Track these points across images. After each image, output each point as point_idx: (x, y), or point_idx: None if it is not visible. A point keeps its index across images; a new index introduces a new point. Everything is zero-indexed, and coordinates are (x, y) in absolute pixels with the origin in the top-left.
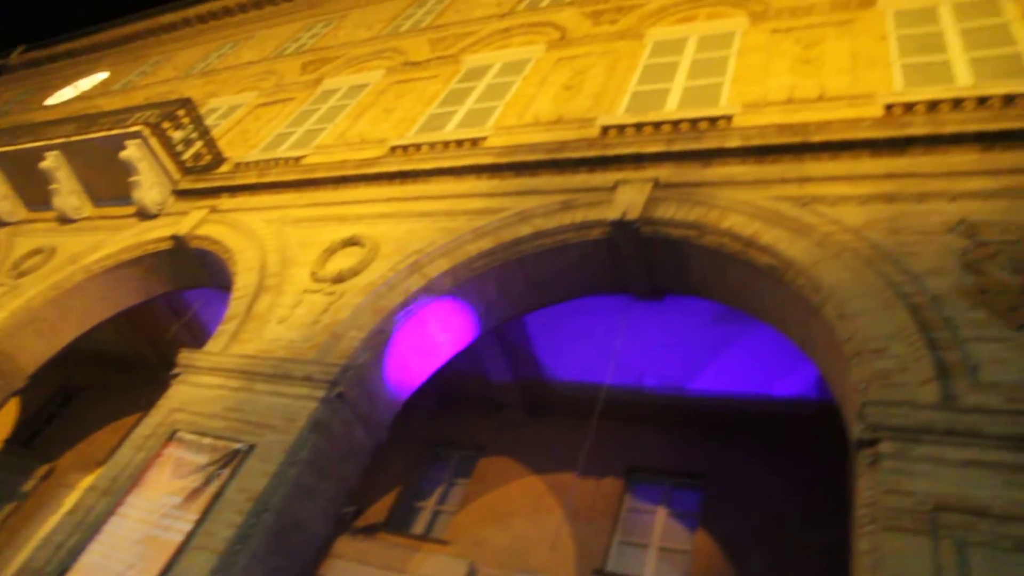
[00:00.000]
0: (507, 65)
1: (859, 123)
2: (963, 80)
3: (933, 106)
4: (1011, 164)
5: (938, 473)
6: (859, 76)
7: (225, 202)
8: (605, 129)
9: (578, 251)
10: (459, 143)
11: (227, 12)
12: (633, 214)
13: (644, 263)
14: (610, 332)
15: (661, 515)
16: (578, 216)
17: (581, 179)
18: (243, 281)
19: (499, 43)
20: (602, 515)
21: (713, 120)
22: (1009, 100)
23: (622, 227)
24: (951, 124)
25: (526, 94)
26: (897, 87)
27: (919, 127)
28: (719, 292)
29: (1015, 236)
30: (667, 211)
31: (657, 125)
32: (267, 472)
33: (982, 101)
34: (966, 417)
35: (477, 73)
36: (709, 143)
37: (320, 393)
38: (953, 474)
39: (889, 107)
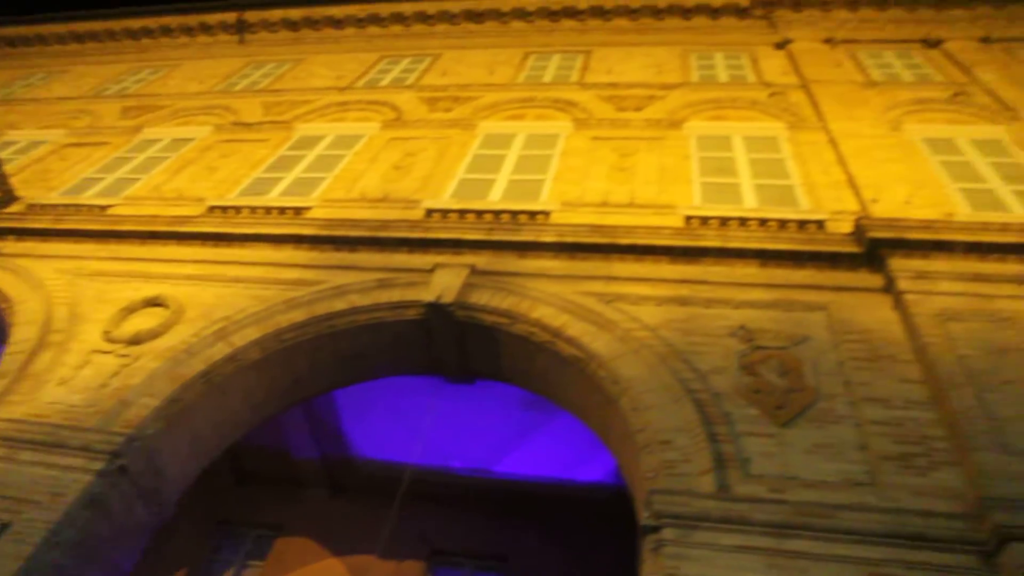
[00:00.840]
0: (340, 138)
1: (661, 231)
2: (749, 202)
3: (724, 222)
4: (782, 280)
5: (713, 558)
6: (665, 188)
7: (10, 246)
8: (429, 212)
9: (393, 330)
10: (282, 210)
11: (41, 40)
12: (448, 298)
13: (457, 346)
14: (420, 413)
15: None
16: (395, 295)
17: (401, 259)
18: (20, 335)
19: (334, 115)
20: None
21: (532, 214)
22: (783, 224)
23: (437, 309)
24: (736, 240)
25: (356, 169)
26: (696, 201)
27: (711, 240)
28: (528, 379)
29: (783, 343)
30: (481, 297)
31: (480, 213)
32: (20, 555)
33: (763, 222)
34: (737, 506)
35: (309, 142)
36: (526, 236)
37: (98, 465)
38: (725, 559)
39: (688, 219)
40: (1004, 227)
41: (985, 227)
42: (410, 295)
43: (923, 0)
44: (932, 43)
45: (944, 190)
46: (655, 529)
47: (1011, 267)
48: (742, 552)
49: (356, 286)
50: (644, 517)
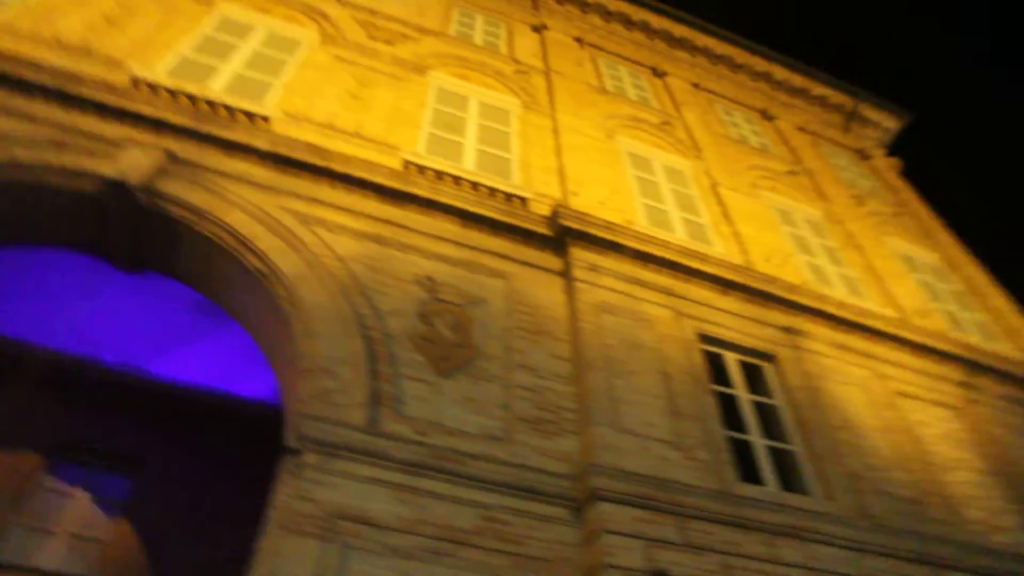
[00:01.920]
0: None
1: (378, 168)
2: (468, 164)
3: (440, 176)
4: (476, 243)
5: (346, 486)
6: (393, 128)
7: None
8: (137, 81)
9: (59, 199)
10: None
11: None
12: (135, 178)
13: (133, 232)
14: (73, 294)
15: (82, 500)
16: (70, 160)
17: (89, 123)
18: None
19: None
20: (7, 495)
21: (252, 116)
22: (492, 192)
23: (118, 188)
24: (446, 195)
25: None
26: (420, 149)
27: (422, 189)
28: (204, 282)
29: (462, 300)
30: (173, 187)
31: (195, 99)
32: None
33: (475, 186)
34: (381, 442)
35: None
36: (239, 136)
37: None
38: (358, 488)
39: (407, 164)
40: (665, 244)
41: (652, 240)
42: (88, 164)
43: (661, 34)
44: (659, 73)
45: (632, 200)
46: (297, 452)
47: (662, 279)
48: (375, 484)
49: (24, 138)
50: (289, 439)
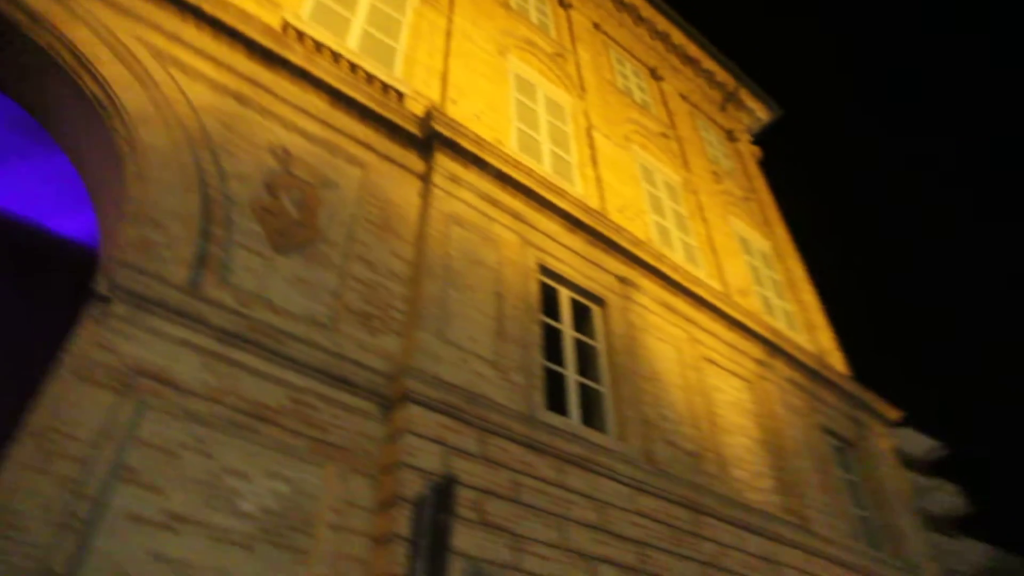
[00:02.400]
0: None
1: (252, 21)
2: (352, 42)
3: (319, 47)
4: (343, 125)
5: (154, 344)
6: None
7: None
8: None
9: None
10: None
11: None
12: None
13: None
14: None
15: None
16: None
17: None
18: None
19: None
20: None
21: None
22: (370, 78)
23: None
24: (322, 70)
25: None
26: (304, 14)
27: (298, 57)
28: (29, 97)
29: (314, 180)
30: None
31: None
32: None
33: (353, 67)
34: (199, 305)
35: None
36: None
37: None
38: (166, 347)
39: (287, 25)
40: (529, 172)
41: (517, 165)
42: None
43: None
44: (564, 4)
45: (507, 122)
46: (106, 300)
47: (518, 205)
48: (185, 347)
49: None
50: (99, 284)
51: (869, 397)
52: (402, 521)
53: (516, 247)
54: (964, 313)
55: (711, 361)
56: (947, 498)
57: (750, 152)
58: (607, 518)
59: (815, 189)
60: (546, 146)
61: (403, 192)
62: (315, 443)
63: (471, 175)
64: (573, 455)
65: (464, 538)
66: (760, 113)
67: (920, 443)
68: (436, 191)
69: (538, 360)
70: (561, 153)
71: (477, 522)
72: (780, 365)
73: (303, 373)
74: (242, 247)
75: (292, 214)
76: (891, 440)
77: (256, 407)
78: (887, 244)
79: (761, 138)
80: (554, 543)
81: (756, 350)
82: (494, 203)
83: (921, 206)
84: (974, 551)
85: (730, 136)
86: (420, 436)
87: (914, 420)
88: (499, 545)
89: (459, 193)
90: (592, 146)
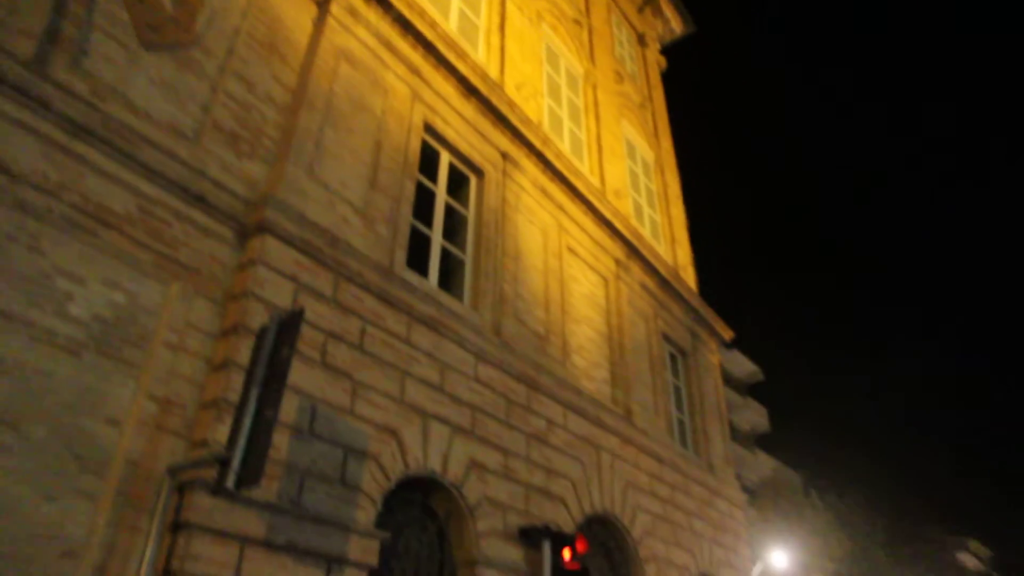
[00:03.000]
0: None
1: None
2: None
3: None
4: None
5: None
6: None
7: None
8: None
9: None
10: None
11: None
12: None
13: None
14: None
15: None
16: None
17: None
18: None
19: None
20: None
21: None
22: None
23: None
24: None
25: None
26: None
27: None
28: None
29: None
30: None
31: None
32: None
33: None
34: (44, 86)
35: None
36: None
37: None
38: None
39: None
40: (433, 24)
41: (422, 14)
42: None
43: None
44: None
45: None
46: None
47: (415, 57)
48: (24, 130)
49: None
50: None
51: (710, 315)
52: (243, 350)
53: (405, 100)
54: (811, 249)
55: (573, 252)
56: (754, 417)
57: (656, 61)
58: (447, 380)
59: (708, 114)
60: (456, 2)
61: (296, 15)
62: (161, 259)
63: (372, 13)
64: (425, 315)
65: (304, 376)
66: (675, 24)
67: (743, 365)
68: (331, 21)
69: (407, 217)
70: (470, 14)
71: (319, 363)
72: (636, 269)
73: (157, 183)
74: (103, 32)
75: (167, 9)
76: (719, 357)
77: (100, 210)
78: (765, 176)
79: (670, 50)
80: (392, 395)
81: (618, 251)
82: (391, 49)
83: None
84: (764, 464)
85: (641, 40)
86: (273, 269)
87: (742, 344)
88: (337, 389)
89: (356, 29)
90: (503, 14)
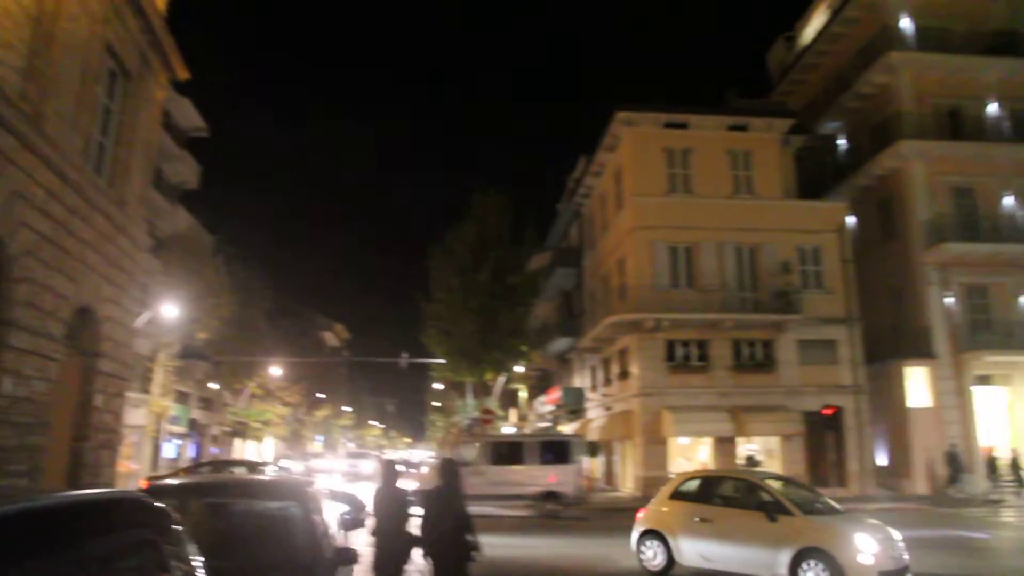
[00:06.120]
0: None
1: None
2: None
3: None
4: None
5: None
6: None
7: None
8: None
9: None
10: None
11: None
12: None
13: None
14: None
15: None
16: None
17: None
18: None
19: None
20: None
21: None
22: None
23: None
24: None
25: None
26: None
27: None
28: None
29: None
30: None
31: None
32: None
33: None
34: None
35: None
36: None
37: None
38: None
39: None
40: None
41: None
42: None
43: None
44: None
45: None
46: None
47: None
48: None
49: None
50: None
51: (169, 44)
52: None
53: None
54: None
55: None
56: (185, 171)
57: None
58: None
59: None
60: None
61: None
62: None
63: None
64: None
65: None
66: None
67: (190, 116)
68: None
69: None
70: None
71: None
72: None
73: None
74: None
75: None
76: (166, 95)
77: None
78: None
79: None
80: None
81: None
82: None
83: None
84: (181, 219)
85: None
86: None
87: (195, 94)
88: None
89: None
90: None
